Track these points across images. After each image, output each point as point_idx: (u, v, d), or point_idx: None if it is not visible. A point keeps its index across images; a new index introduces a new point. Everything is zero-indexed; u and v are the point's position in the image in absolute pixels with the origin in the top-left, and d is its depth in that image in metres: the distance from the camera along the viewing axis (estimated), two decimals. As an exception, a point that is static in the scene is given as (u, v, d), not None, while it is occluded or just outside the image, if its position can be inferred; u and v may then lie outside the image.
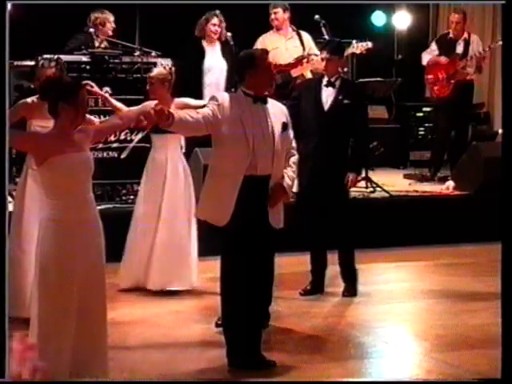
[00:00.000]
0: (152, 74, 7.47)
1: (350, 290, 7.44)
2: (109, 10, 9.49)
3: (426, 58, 10.57)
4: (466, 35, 10.52)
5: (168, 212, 7.40)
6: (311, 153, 7.25)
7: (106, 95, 7.69)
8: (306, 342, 6.30)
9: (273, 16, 9.83)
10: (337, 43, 7.67)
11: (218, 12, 9.61)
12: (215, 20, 9.60)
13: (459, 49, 10.41)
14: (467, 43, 10.40)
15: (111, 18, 9.47)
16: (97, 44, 9.37)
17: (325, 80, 7.36)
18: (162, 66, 7.62)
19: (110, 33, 9.47)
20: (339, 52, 7.48)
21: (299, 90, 8.20)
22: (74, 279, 4.86)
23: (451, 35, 10.58)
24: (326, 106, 7.31)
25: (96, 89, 7.42)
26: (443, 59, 10.38)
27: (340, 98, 7.29)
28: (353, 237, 7.50)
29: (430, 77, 10.52)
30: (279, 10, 9.80)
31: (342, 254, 7.48)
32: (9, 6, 4.67)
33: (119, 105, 7.40)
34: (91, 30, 9.37)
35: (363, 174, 7.58)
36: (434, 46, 10.62)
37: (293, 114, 7.48)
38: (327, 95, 7.33)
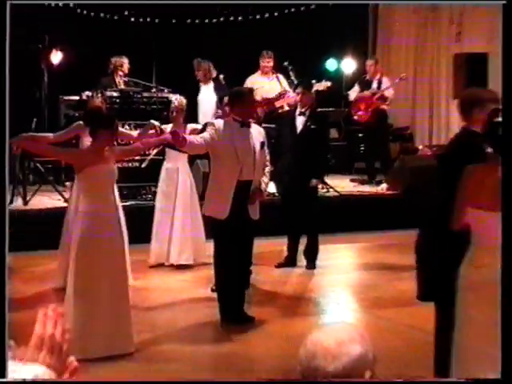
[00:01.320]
0: (175, 105, 7.31)
1: (311, 264, 7.43)
2: (131, 55, 9.45)
3: (352, 94, 10.67)
4: (378, 76, 10.56)
5: (181, 208, 7.35)
6: (288, 165, 7.34)
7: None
8: (277, 302, 6.34)
9: (269, 64, 9.63)
10: (309, 82, 7.86)
11: (199, 60, 9.69)
12: (194, 66, 9.73)
13: (374, 86, 10.52)
14: (380, 82, 10.51)
15: (126, 60, 9.31)
16: (117, 80, 9.35)
17: (298, 110, 7.42)
18: (180, 99, 7.52)
19: (127, 71, 9.32)
20: (310, 88, 7.67)
21: (281, 118, 8.34)
22: (103, 258, 4.85)
23: (367, 77, 10.66)
24: (298, 130, 7.36)
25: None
26: (367, 93, 10.49)
27: (308, 124, 7.32)
28: (319, 225, 7.51)
29: (355, 107, 10.63)
30: (272, 60, 9.76)
31: (310, 238, 7.46)
32: (8, 6, 4.55)
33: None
34: (112, 70, 9.27)
35: (324, 179, 7.71)
36: (356, 86, 10.72)
37: (276, 136, 7.64)
38: (300, 122, 7.36)
